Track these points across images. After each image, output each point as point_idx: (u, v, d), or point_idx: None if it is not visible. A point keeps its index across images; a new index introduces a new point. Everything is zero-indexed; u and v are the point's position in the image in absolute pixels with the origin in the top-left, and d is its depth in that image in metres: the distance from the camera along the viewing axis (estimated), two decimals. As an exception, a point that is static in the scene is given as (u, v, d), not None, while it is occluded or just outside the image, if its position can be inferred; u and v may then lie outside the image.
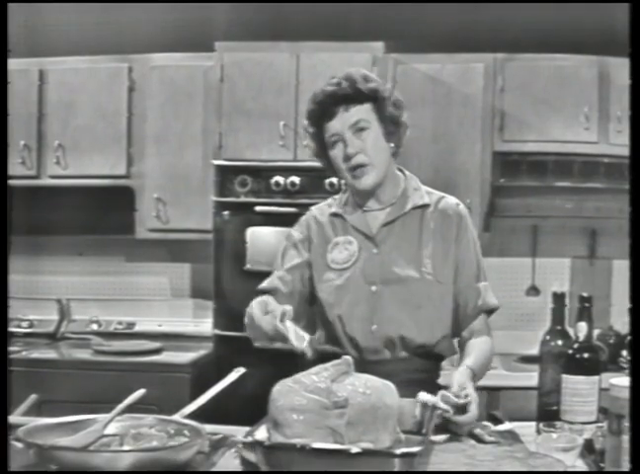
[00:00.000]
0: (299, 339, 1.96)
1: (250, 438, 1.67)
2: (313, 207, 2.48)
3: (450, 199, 2.40)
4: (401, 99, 2.34)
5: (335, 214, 2.40)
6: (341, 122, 2.26)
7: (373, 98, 2.28)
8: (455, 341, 2.39)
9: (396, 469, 1.56)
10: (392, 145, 2.32)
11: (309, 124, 2.35)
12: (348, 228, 2.37)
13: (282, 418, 1.66)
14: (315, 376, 1.72)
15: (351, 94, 2.26)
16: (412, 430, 1.84)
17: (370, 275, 2.30)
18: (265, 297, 2.14)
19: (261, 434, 1.70)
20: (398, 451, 1.60)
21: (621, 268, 4.13)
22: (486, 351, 2.31)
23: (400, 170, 2.41)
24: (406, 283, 2.29)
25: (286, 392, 1.69)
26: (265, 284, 2.40)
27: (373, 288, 2.30)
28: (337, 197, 2.47)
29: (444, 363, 2.38)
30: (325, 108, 2.28)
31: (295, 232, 2.44)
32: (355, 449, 1.58)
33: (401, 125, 2.33)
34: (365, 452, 1.60)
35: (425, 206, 2.36)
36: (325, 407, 1.66)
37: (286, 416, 1.65)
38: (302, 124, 2.42)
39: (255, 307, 2.11)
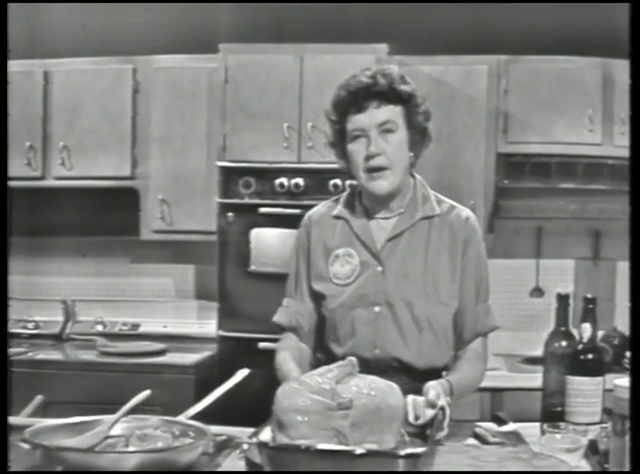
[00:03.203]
0: None
1: (254, 440, 1.67)
2: (310, 212, 2.38)
3: (461, 212, 2.30)
4: (430, 110, 2.26)
5: (338, 217, 2.32)
6: (369, 118, 2.17)
7: (407, 101, 2.20)
8: None
9: (400, 470, 1.56)
10: (412, 155, 2.25)
11: (333, 112, 2.25)
12: (350, 236, 2.28)
13: (287, 419, 1.66)
14: (319, 377, 1.72)
15: (386, 92, 2.17)
16: (416, 431, 1.84)
17: (374, 295, 2.22)
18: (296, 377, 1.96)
19: (265, 435, 1.70)
20: (402, 452, 1.60)
21: (625, 269, 4.08)
22: (473, 377, 2.24)
23: (411, 174, 2.32)
24: (411, 306, 2.21)
25: (291, 393, 1.69)
26: (285, 321, 2.34)
27: (377, 309, 2.22)
28: (338, 197, 2.38)
29: None
30: (355, 99, 2.18)
31: (299, 243, 2.35)
32: (359, 450, 1.59)
33: (426, 137, 2.27)
34: (370, 453, 1.60)
35: (433, 217, 2.27)
36: (329, 408, 1.66)
37: (291, 417, 1.66)
38: (326, 112, 2.27)
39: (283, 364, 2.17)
